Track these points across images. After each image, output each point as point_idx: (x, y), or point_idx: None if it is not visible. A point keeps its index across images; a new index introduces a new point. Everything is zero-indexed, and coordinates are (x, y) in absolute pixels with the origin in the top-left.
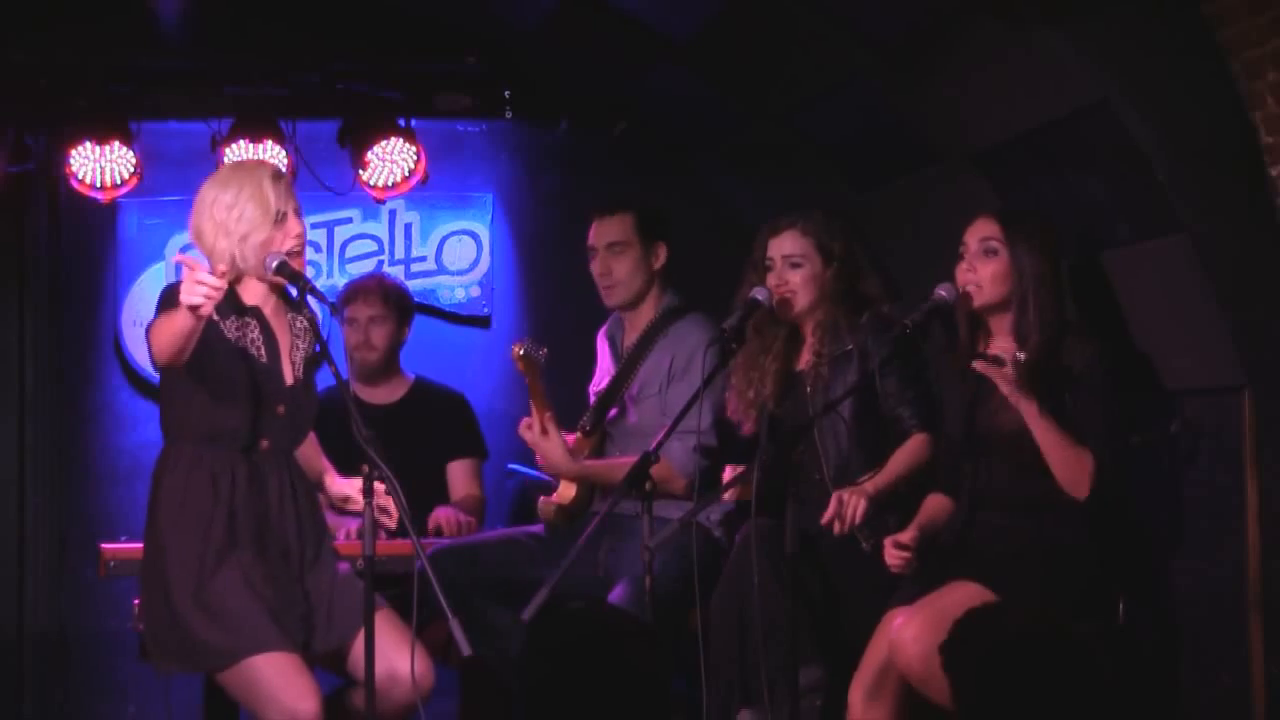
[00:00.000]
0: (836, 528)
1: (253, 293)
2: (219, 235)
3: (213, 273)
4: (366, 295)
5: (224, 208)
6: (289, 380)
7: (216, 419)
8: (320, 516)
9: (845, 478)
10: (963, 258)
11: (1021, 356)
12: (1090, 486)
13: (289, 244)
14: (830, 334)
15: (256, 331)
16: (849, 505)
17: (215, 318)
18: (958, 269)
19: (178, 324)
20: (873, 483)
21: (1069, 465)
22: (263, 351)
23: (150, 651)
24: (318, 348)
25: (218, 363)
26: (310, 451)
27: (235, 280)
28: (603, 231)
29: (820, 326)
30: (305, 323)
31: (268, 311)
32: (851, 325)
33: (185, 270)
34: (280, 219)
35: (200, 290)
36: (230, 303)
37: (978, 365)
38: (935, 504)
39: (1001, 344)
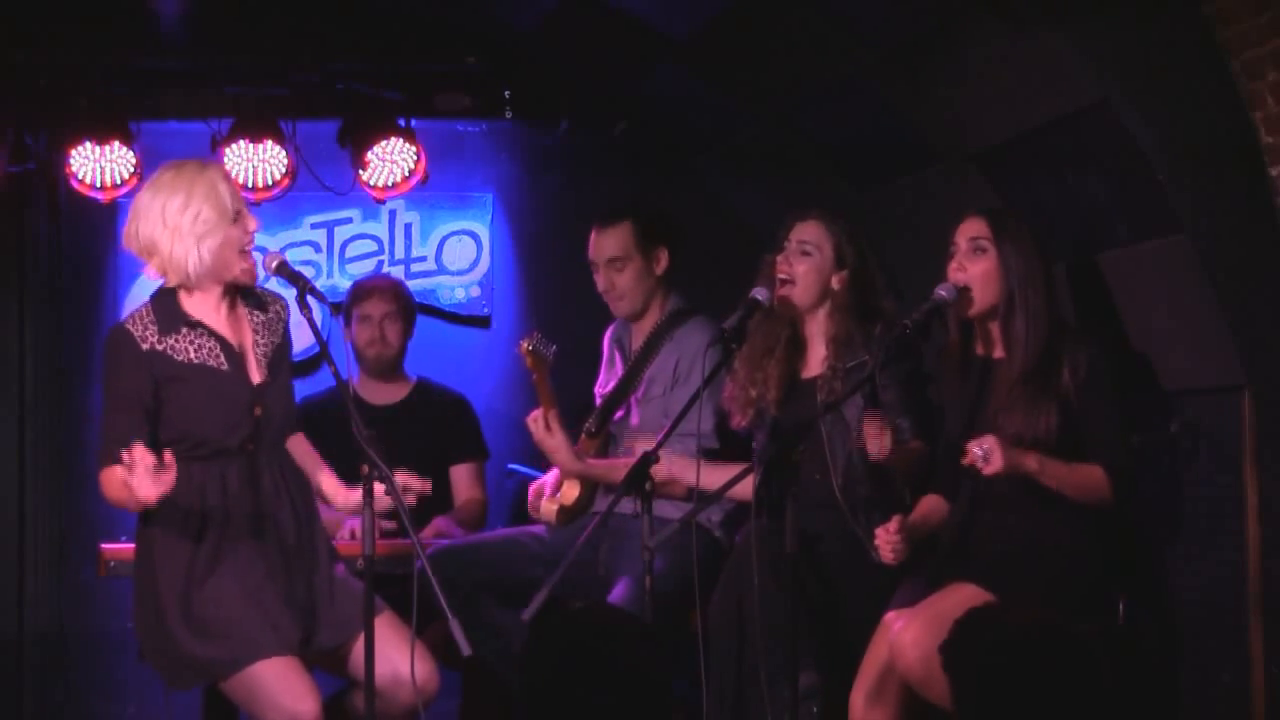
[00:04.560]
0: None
1: (196, 304)
2: (175, 241)
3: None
4: (380, 293)
5: (176, 211)
6: (257, 379)
7: (194, 437)
8: (316, 513)
9: (850, 485)
10: (953, 256)
11: (987, 448)
12: (1113, 494)
13: (247, 240)
14: (844, 348)
15: (211, 341)
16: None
17: (160, 346)
18: (949, 267)
19: (124, 495)
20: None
21: (1086, 490)
22: (223, 360)
23: (157, 667)
24: (316, 348)
25: (180, 389)
26: (307, 458)
27: (181, 291)
28: (601, 246)
29: (835, 341)
30: (265, 315)
31: (217, 318)
32: (866, 337)
33: (135, 469)
34: (237, 217)
35: (156, 489)
36: (174, 319)
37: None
38: (930, 504)
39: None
